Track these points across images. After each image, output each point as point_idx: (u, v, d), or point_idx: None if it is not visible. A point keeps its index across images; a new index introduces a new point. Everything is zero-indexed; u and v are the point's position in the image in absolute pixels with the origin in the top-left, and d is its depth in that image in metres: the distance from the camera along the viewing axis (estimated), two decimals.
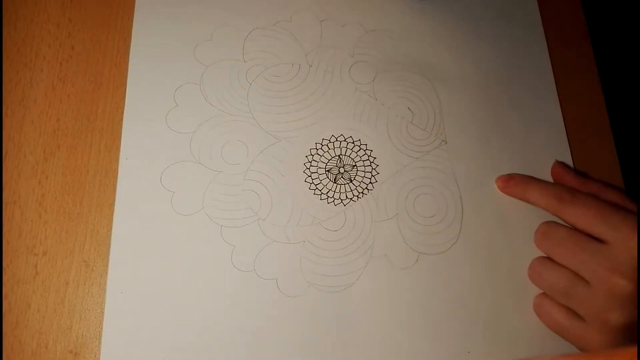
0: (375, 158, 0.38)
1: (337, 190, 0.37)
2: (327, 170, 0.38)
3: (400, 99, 0.40)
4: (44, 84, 0.39)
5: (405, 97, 0.40)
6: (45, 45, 0.40)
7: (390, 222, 0.37)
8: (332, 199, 0.37)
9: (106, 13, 0.41)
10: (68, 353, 0.33)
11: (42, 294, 0.34)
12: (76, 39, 0.40)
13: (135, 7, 0.41)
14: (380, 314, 0.34)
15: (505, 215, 0.37)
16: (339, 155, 0.38)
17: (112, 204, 0.35)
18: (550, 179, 0.38)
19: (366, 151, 0.38)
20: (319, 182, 0.37)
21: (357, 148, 0.38)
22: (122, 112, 0.38)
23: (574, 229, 0.33)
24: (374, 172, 0.38)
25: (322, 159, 0.38)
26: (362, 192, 0.37)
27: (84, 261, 0.35)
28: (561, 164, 0.38)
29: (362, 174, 0.38)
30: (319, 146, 0.38)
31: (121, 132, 0.37)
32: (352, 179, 0.38)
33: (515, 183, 0.37)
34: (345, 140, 0.39)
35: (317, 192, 0.37)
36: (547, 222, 0.35)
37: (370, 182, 0.38)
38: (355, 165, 0.38)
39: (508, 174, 0.38)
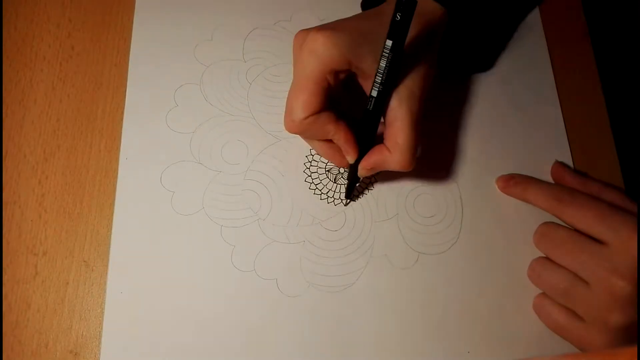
0: None
1: (337, 190, 0.37)
2: (327, 170, 0.38)
3: None
4: (44, 84, 0.39)
5: None
6: (45, 45, 0.40)
7: (390, 222, 0.37)
8: (332, 198, 0.37)
9: (106, 13, 0.41)
10: (68, 353, 0.33)
11: (42, 294, 0.34)
12: (76, 39, 0.40)
13: (135, 7, 0.41)
14: (380, 314, 0.34)
15: (505, 215, 0.37)
16: None
17: (112, 204, 0.36)
18: (550, 179, 0.38)
19: None
20: (319, 182, 0.37)
21: None
22: (122, 112, 0.38)
23: (574, 229, 0.33)
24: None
25: (322, 158, 0.38)
26: (362, 192, 0.37)
27: (84, 261, 0.35)
28: (561, 164, 0.38)
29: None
30: None
31: (121, 132, 0.37)
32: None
33: (515, 183, 0.37)
34: None
35: (317, 192, 0.37)
36: (547, 223, 0.35)
37: (370, 182, 0.38)
38: None
39: (508, 174, 0.38)
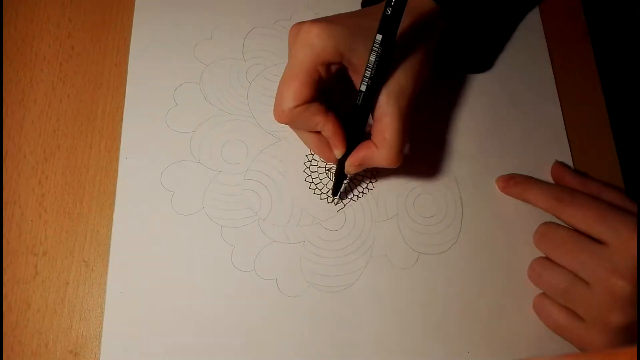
0: None
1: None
2: (327, 170, 0.38)
3: None
4: (44, 84, 0.39)
5: None
6: (45, 45, 0.40)
7: (390, 222, 0.37)
8: (332, 198, 0.37)
9: (106, 13, 0.41)
10: (68, 353, 0.33)
11: (42, 294, 0.34)
12: (76, 39, 0.40)
13: (135, 6, 0.41)
14: (380, 314, 0.34)
15: (505, 215, 0.37)
16: None
17: (112, 204, 0.36)
18: (550, 179, 0.38)
19: None
20: (319, 181, 0.37)
21: None
22: (122, 112, 0.38)
23: (574, 229, 0.33)
24: (373, 171, 0.38)
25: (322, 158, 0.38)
26: (362, 192, 0.37)
27: (84, 261, 0.35)
28: (561, 164, 0.38)
29: (362, 172, 0.38)
30: None
31: (121, 132, 0.37)
32: (352, 178, 0.38)
33: (515, 183, 0.37)
34: None
35: (317, 192, 0.37)
36: (547, 223, 0.35)
37: (370, 182, 0.38)
38: None
39: (508, 174, 0.38)
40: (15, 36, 0.40)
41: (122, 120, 0.38)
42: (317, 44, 0.30)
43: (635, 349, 0.18)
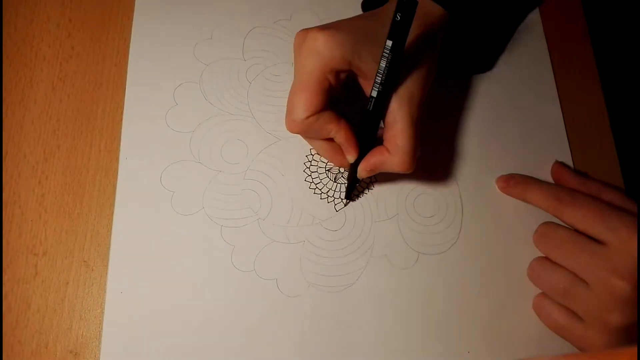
0: None
1: (337, 189, 0.37)
2: (327, 170, 0.38)
3: None
4: (44, 84, 0.39)
5: None
6: (45, 45, 0.40)
7: (390, 222, 0.37)
8: (332, 198, 0.37)
9: (106, 13, 0.41)
10: (68, 353, 0.33)
11: (42, 294, 0.34)
12: (76, 39, 0.40)
13: (134, 6, 0.41)
14: (380, 314, 0.34)
15: (505, 215, 0.37)
16: None
17: (112, 204, 0.35)
18: (550, 179, 0.38)
19: None
20: (319, 181, 0.37)
21: None
22: (122, 112, 0.38)
23: (574, 229, 0.33)
24: None
25: (322, 158, 0.38)
26: (362, 192, 0.37)
27: (84, 261, 0.35)
28: (561, 164, 0.38)
29: None
30: None
31: (121, 132, 0.37)
32: None
33: (515, 183, 0.37)
34: None
35: (317, 191, 0.37)
36: (546, 223, 0.35)
37: (370, 182, 0.38)
38: None
39: (508, 174, 0.38)
40: (15, 36, 0.40)
41: (122, 120, 0.38)
42: (324, 52, 0.30)
43: (635, 349, 0.18)
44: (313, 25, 0.31)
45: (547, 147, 0.39)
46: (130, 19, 0.40)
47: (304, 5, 0.42)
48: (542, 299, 0.34)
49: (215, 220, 0.36)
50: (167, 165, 0.37)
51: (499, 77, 0.41)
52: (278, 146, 0.38)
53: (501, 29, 0.42)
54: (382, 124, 0.33)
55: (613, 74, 0.51)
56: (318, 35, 0.30)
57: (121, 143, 0.37)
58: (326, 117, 0.31)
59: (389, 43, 0.28)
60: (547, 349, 0.34)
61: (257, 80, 0.40)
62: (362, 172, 0.33)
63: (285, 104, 0.32)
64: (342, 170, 0.38)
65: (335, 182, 0.37)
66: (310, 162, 0.38)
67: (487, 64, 0.41)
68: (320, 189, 0.37)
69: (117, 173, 0.36)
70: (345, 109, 0.33)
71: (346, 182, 0.37)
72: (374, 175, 0.38)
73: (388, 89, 0.31)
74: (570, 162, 0.39)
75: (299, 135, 0.33)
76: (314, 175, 0.38)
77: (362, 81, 0.33)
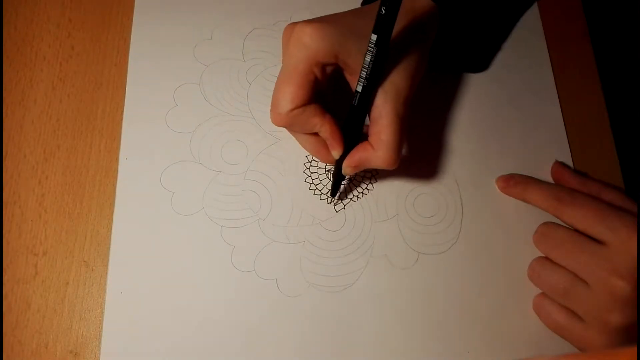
0: None
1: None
2: (327, 170, 0.38)
3: None
4: (44, 84, 0.39)
5: None
6: (45, 45, 0.40)
7: (390, 222, 0.37)
8: (332, 198, 0.37)
9: (106, 13, 0.41)
10: (68, 353, 0.33)
11: (42, 294, 0.34)
12: (76, 39, 0.40)
13: (134, 7, 0.41)
14: (380, 314, 0.34)
15: (505, 215, 0.37)
16: None
17: (112, 204, 0.36)
18: (550, 179, 0.38)
19: None
20: (319, 182, 0.37)
21: None
22: (122, 112, 0.38)
23: (574, 229, 0.33)
24: (373, 172, 0.38)
25: None
26: (362, 192, 0.37)
27: (84, 261, 0.35)
28: (561, 164, 0.38)
29: (362, 173, 0.38)
30: None
31: (121, 132, 0.37)
32: (352, 178, 0.38)
33: (515, 183, 0.37)
34: None
35: (317, 192, 0.37)
36: (546, 223, 0.35)
37: (370, 182, 0.38)
38: None
39: (508, 174, 0.38)
40: (15, 36, 0.40)
41: (122, 120, 0.38)
42: (311, 45, 0.29)
43: (635, 349, 0.18)
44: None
45: (547, 147, 0.39)
46: (130, 19, 0.41)
47: (303, 7, 0.42)
48: (542, 299, 0.34)
49: (215, 221, 0.36)
50: (167, 166, 0.37)
51: (498, 77, 0.41)
52: (278, 147, 0.38)
53: (495, 27, 0.41)
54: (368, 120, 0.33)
55: (613, 74, 0.51)
56: (305, 28, 0.30)
57: (121, 143, 0.37)
58: (311, 111, 0.31)
59: (374, 37, 0.28)
60: (547, 349, 0.34)
61: (257, 81, 0.40)
62: (346, 168, 0.33)
63: None
64: None
65: None
66: (310, 162, 0.38)
67: (483, 63, 0.41)
68: (320, 190, 0.37)
69: (117, 173, 0.36)
70: (333, 105, 0.33)
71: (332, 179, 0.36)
72: (373, 176, 0.38)
73: (373, 83, 0.30)
74: (570, 162, 0.39)
75: (284, 128, 0.33)
76: (313, 175, 0.38)
77: (348, 76, 0.32)
